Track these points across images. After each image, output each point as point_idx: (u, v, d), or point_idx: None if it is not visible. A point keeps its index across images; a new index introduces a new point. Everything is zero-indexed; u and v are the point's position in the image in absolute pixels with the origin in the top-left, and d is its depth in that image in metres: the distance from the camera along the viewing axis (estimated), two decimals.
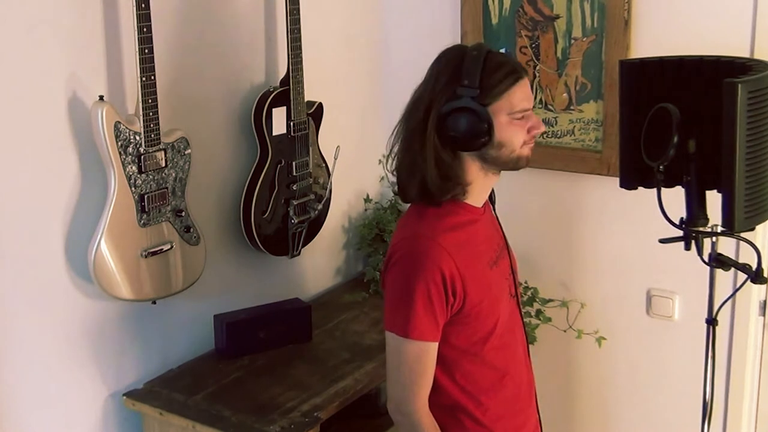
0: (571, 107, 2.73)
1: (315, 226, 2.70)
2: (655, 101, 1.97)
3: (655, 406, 2.80)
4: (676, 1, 2.52)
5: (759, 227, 1.97)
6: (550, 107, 2.76)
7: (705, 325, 2.07)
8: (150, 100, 2.08)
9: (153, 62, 2.05)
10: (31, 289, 2.06)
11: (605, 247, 2.79)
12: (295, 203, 2.58)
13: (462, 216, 1.79)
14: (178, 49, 2.31)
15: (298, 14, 2.44)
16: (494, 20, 2.81)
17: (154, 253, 2.19)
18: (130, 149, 2.08)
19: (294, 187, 2.58)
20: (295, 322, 2.53)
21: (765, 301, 2.59)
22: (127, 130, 2.07)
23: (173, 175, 2.21)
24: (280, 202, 2.55)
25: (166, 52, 2.25)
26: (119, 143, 2.06)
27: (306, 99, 2.54)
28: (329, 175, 2.70)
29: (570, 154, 2.75)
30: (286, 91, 2.49)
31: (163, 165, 2.17)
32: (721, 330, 2.51)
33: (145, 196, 2.14)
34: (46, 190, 2.06)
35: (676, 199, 1.99)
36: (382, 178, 3.11)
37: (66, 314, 2.15)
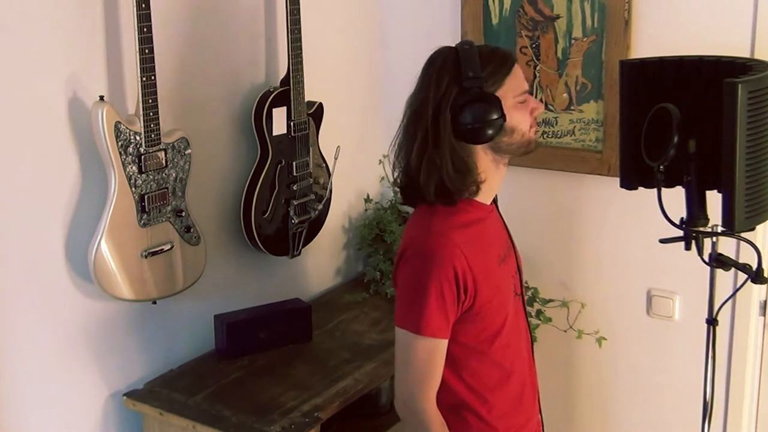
0: (572, 107, 2.73)
1: (315, 226, 2.70)
2: (656, 101, 1.97)
3: (655, 406, 2.80)
4: (676, 1, 2.52)
5: (759, 227, 1.97)
6: (550, 107, 2.76)
7: (705, 325, 2.07)
8: (150, 100, 2.08)
9: (153, 62, 2.05)
10: (32, 289, 2.06)
11: (605, 247, 2.79)
12: (295, 203, 2.58)
13: (472, 213, 1.80)
14: (178, 49, 2.31)
15: (298, 14, 2.44)
16: (494, 20, 2.81)
17: (154, 253, 2.19)
18: (130, 149, 2.08)
19: (294, 187, 2.58)
20: (296, 322, 2.53)
21: (765, 301, 2.59)
22: (128, 130, 2.07)
23: (173, 175, 2.21)
24: (280, 202, 2.55)
25: (167, 52, 2.24)
26: (119, 143, 2.06)
27: (306, 99, 2.54)
28: (329, 175, 2.70)
29: (570, 154, 2.75)
30: (287, 91, 2.49)
31: (164, 165, 2.17)
32: (722, 330, 2.51)
33: (146, 196, 2.14)
34: (46, 190, 2.06)
35: (676, 199, 1.99)
36: (383, 178, 3.11)
37: (66, 314, 2.15)
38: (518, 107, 1.76)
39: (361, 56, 3.02)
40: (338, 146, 2.62)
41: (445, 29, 2.89)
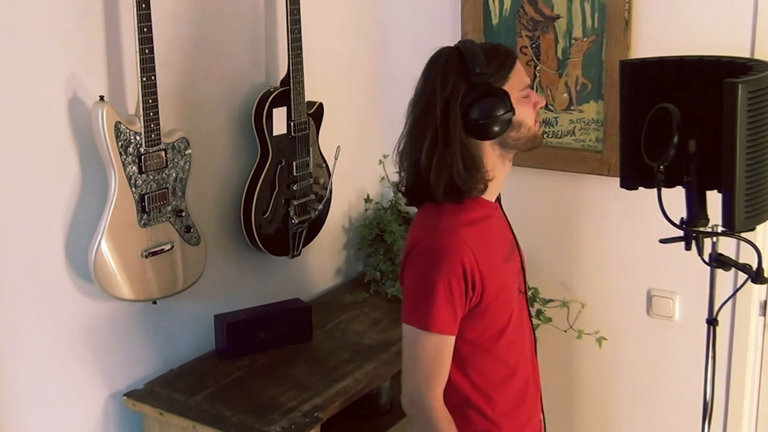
0: (572, 107, 2.73)
1: (315, 226, 2.70)
2: (656, 101, 1.97)
3: (655, 406, 2.80)
4: (676, 1, 2.52)
5: (759, 227, 1.97)
6: (550, 107, 2.76)
7: (705, 325, 2.07)
8: (150, 100, 2.08)
9: (153, 62, 2.05)
10: (32, 289, 2.06)
11: (606, 247, 2.78)
12: (295, 203, 2.58)
13: (478, 211, 1.80)
14: (178, 49, 2.31)
15: (298, 14, 2.44)
16: (494, 20, 2.80)
17: (154, 253, 2.19)
18: (130, 149, 2.08)
19: (294, 187, 2.58)
20: (296, 322, 2.53)
21: (765, 301, 2.59)
22: (128, 131, 2.07)
23: (174, 175, 2.21)
24: (280, 202, 2.55)
25: (167, 52, 2.24)
26: (120, 143, 2.06)
27: (306, 99, 2.54)
28: (329, 175, 2.70)
29: (570, 154, 2.75)
30: (287, 91, 2.49)
31: (164, 165, 2.17)
32: (722, 330, 2.50)
33: (146, 196, 2.14)
34: (46, 190, 2.06)
35: (676, 199, 1.99)
36: (383, 178, 3.11)
37: (66, 314, 2.15)
38: (522, 101, 1.78)
39: (361, 56, 3.02)
40: (338, 146, 2.62)
41: (445, 29, 2.89)
